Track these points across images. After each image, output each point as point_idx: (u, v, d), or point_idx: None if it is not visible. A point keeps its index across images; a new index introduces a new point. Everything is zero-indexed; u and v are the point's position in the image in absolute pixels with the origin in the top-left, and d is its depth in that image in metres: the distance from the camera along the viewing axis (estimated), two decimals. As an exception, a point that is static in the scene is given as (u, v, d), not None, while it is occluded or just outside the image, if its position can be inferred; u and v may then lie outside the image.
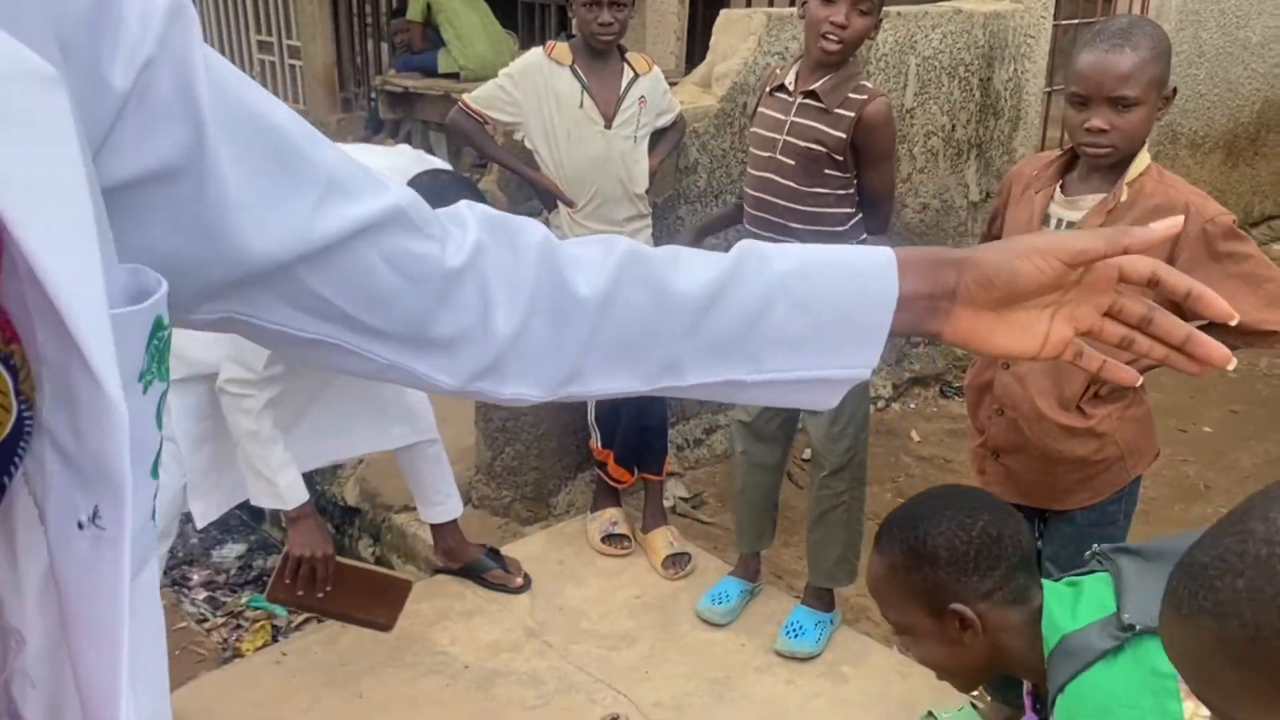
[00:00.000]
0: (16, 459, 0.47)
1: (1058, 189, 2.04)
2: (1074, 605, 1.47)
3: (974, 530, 1.53)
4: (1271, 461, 3.74)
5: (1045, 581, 1.56)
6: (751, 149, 2.69)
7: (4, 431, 0.46)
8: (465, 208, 0.74)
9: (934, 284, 0.77)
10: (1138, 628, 1.36)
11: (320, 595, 2.43)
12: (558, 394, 0.77)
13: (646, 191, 2.98)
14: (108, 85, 0.55)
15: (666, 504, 3.24)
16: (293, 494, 2.38)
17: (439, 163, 2.51)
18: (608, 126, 2.88)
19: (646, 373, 0.77)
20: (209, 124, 0.59)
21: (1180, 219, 0.79)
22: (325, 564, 2.41)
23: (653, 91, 2.96)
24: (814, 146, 2.52)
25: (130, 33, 0.55)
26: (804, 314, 0.76)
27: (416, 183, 2.11)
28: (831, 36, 2.44)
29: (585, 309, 0.74)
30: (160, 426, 0.57)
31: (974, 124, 4.18)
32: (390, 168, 2.29)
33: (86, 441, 0.48)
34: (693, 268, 0.76)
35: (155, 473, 0.56)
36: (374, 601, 2.50)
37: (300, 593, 2.41)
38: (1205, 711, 1.31)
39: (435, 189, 1.84)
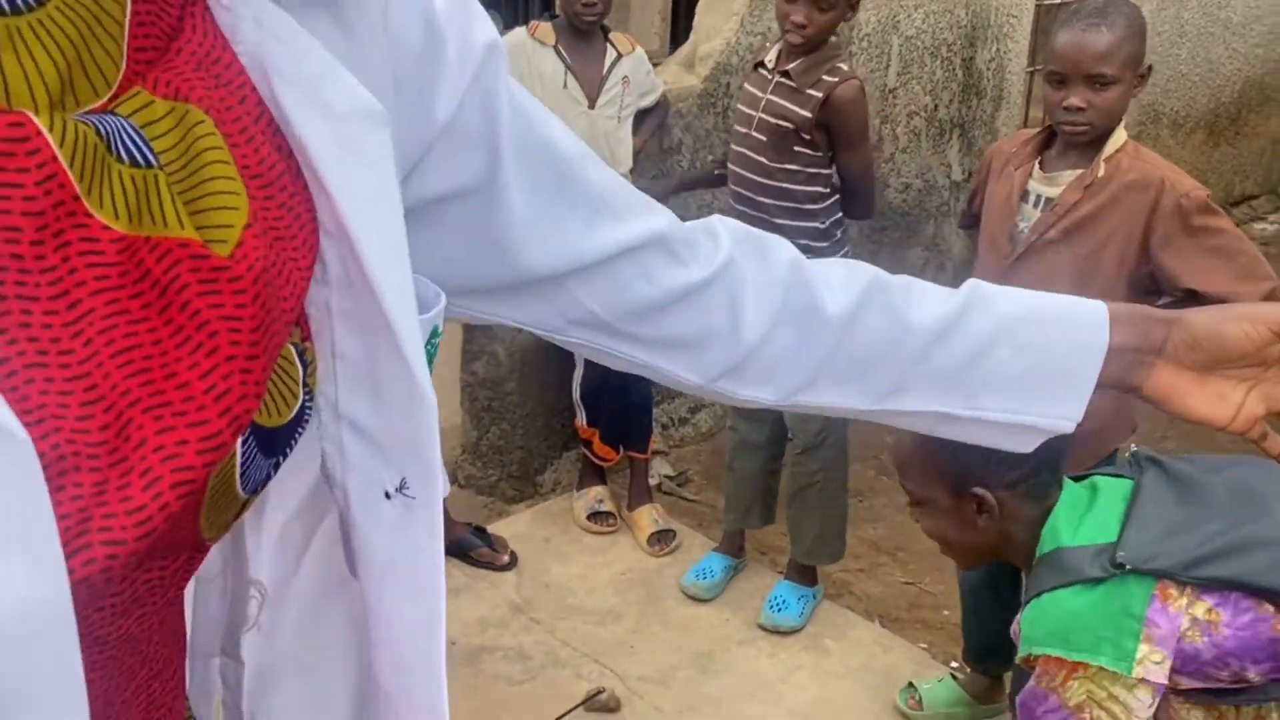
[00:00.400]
0: (294, 439, 0.53)
1: (1036, 165, 2.08)
2: (1081, 518, 1.50)
3: None
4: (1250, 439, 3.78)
5: (1066, 480, 1.59)
6: (734, 125, 2.71)
7: (290, 414, 0.51)
8: (718, 222, 0.78)
9: (1142, 338, 0.79)
10: (1127, 568, 1.39)
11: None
12: (788, 401, 0.80)
13: (631, 172, 2.99)
14: (431, 116, 0.61)
15: (651, 482, 3.26)
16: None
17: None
18: (591, 107, 2.89)
19: (874, 392, 0.80)
20: (505, 153, 0.64)
21: None
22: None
23: (636, 72, 2.97)
24: (782, 123, 2.55)
25: (451, 69, 0.61)
26: (1021, 357, 0.78)
27: None
28: (793, 35, 2.48)
29: (831, 326, 0.77)
30: None
31: (956, 103, 4.19)
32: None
33: (393, 424, 0.55)
34: (927, 299, 0.79)
35: None
36: None
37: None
38: (1156, 657, 1.35)
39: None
